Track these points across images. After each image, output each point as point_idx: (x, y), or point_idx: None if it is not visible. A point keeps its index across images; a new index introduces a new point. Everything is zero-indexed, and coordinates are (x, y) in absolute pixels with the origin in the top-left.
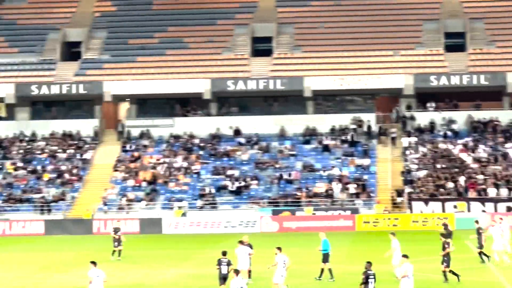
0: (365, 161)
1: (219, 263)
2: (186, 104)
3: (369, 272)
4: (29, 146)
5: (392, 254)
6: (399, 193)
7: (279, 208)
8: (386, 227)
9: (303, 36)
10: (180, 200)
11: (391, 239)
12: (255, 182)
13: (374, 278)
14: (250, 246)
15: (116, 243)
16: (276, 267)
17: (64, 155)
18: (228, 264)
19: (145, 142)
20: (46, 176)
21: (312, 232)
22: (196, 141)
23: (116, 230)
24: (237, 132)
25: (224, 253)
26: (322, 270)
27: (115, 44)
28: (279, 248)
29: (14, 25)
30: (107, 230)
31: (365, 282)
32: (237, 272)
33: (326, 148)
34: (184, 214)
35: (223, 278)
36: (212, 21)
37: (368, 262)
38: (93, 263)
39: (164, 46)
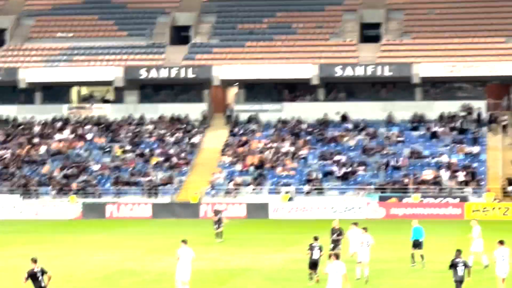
0: (475, 149)
1: (311, 248)
2: (294, 90)
3: (457, 260)
4: (137, 130)
5: (474, 240)
6: (510, 182)
7: (386, 194)
8: (496, 216)
9: (412, 22)
10: (287, 185)
11: (472, 226)
12: (362, 168)
13: (465, 265)
14: (340, 232)
15: (216, 226)
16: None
17: (172, 139)
18: (320, 249)
19: (253, 126)
20: (154, 160)
21: (420, 220)
22: (304, 126)
23: (217, 213)
24: (345, 118)
25: (316, 238)
26: (413, 255)
27: (224, 28)
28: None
29: (124, 8)
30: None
31: (453, 267)
32: (336, 256)
33: (434, 135)
34: (290, 199)
35: (313, 263)
36: (320, 6)
37: (458, 250)
38: (184, 241)
39: (272, 32)
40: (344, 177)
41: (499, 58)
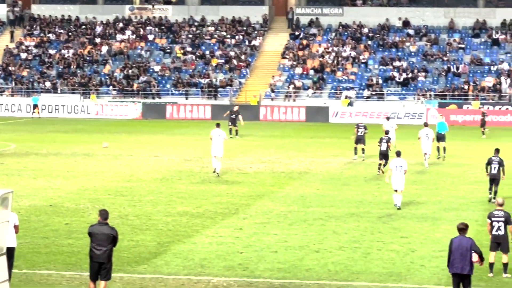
0: None
1: (380, 140)
2: None
3: (493, 158)
4: (198, 31)
5: None
6: None
7: (446, 101)
8: None
9: None
10: (347, 89)
11: None
12: (423, 74)
13: (499, 164)
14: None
15: (230, 122)
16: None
17: (232, 41)
18: (387, 141)
19: (314, 30)
20: (214, 62)
21: (478, 127)
22: (365, 30)
23: (232, 113)
24: (406, 23)
25: (386, 132)
26: (438, 148)
27: None
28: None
29: None
30: (273, 118)
31: (488, 164)
32: (398, 153)
33: (495, 42)
34: (350, 104)
35: (382, 154)
36: None
37: (496, 149)
38: (217, 124)
39: None
40: (405, 83)
41: None
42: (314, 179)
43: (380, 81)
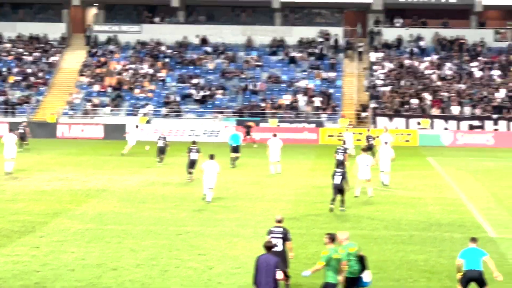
0: (331, 75)
1: (189, 150)
2: (154, 11)
3: (336, 169)
4: None
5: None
6: (364, 108)
7: (244, 118)
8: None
9: None
10: (144, 106)
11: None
12: (220, 91)
13: (342, 175)
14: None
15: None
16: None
17: (30, 58)
18: (198, 151)
19: (112, 47)
20: (11, 79)
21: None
22: (163, 48)
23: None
24: (204, 41)
25: (194, 142)
26: (234, 158)
27: None
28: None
29: None
30: (71, 135)
31: (332, 176)
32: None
33: (292, 60)
34: (148, 121)
35: (191, 163)
36: None
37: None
38: (211, 156)
39: None
40: (202, 101)
41: None
42: (112, 196)
43: (178, 99)
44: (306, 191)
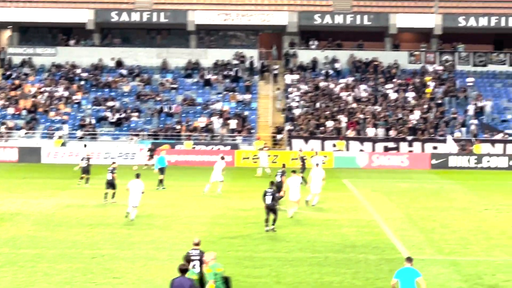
0: (247, 97)
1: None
2: (69, 34)
3: (268, 190)
4: None
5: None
6: (279, 130)
7: (159, 141)
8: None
9: None
10: (60, 129)
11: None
12: (136, 114)
13: (272, 195)
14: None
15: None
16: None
17: None
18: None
19: (27, 70)
20: None
21: (192, 166)
22: (78, 71)
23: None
24: (119, 64)
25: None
26: (160, 181)
27: None
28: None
29: None
30: None
31: (264, 195)
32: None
33: (208, 83)
34: (63, 144)
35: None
36: None
37: (271, 182)
38: (137, 175)
39: None
40: (118, 123)
41: (271, 8)
42: (26, 220)
43: (94, 121)
44: (221, 213)
